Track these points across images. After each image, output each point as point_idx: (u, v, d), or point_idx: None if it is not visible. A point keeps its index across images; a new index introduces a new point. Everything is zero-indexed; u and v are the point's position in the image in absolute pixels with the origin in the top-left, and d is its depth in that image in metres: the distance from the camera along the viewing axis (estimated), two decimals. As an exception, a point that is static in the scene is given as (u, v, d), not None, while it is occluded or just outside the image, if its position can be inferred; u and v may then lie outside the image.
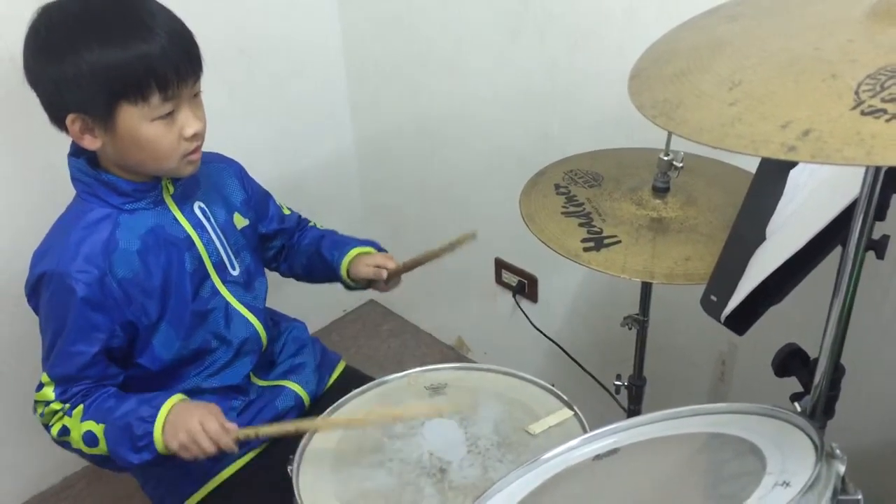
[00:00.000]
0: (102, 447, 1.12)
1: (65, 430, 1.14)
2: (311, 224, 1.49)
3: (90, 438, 1.12)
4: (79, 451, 1.15)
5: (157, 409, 1.10)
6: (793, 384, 0.94)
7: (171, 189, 1.19)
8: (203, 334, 1.23)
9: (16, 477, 1.88)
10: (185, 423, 1.09)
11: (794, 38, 0.66)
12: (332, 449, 1.15)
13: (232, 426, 1.11)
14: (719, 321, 0.97)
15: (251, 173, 1.39)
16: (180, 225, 1.20)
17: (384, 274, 1.32)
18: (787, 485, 0.70)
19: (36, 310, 1.17)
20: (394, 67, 1.99)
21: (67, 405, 1.14)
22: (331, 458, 1.13)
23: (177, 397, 1.14)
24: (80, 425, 1.13)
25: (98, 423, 1.12)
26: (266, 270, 1.40)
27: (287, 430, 1.13)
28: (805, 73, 0.59)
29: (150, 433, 1.09)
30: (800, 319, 1.06)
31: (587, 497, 0.88)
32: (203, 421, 1.09)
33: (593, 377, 1.76)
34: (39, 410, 1.17)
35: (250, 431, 1.13)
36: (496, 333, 2.17)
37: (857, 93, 0.54)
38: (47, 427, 1.17)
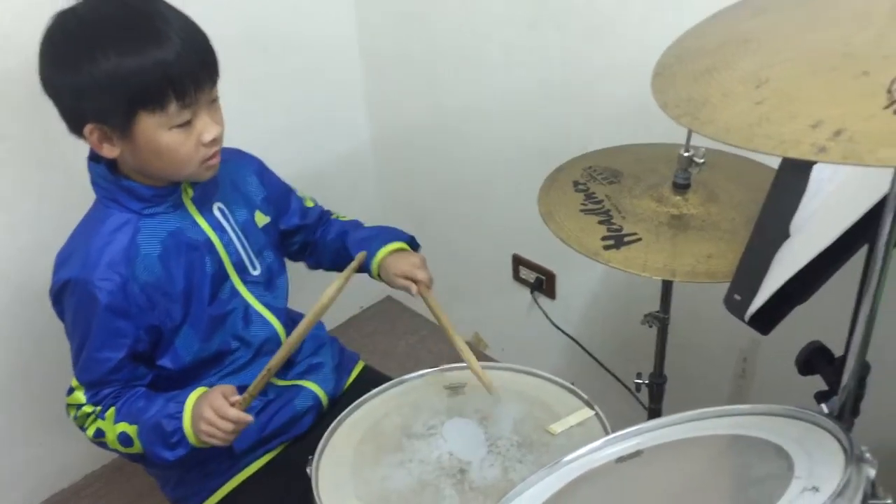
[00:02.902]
0: (138, 446, 1.14)
1: (100, 433, 1.16)
2: (333, 216, 1.47)
3: (125, 439, 1.14)
4: (116, 451, 1.18)
5: (182, 404, 1.12)
6: (815, 382, 0.93)
7: (191, 192, 1.18)
8: (222, 336, 1.23)
9: (38, 474, 1.90)
10: (201, 413, 1.10)
11: (822, 32, 0.65)
12: (352, 449, 1.15)
13: (236, 397, 1.11)
14: (743, 321, 0.96)
15: (269, 167, 1.39)
16: (200, 228, 1.20)
17: (414, 290, 1.30)
18: (817, 490, 0.69)
19: (61, 315, 1.18)
20: (410, 62, 1.98)
21: (99, 408, 1.16)
22: (350, 459, 1.13)
23: (200, 390, 1.15)
24: (114, 427, 1.15)
25: (131, 424, 1.14)
26: (289, 264, 1.39)
27: (264, 374, 1.12)
28: (835, 71, 0.58)
29: (181, 429, 1.11)
30: (822, 316, 1.05)
31: (610, 501, 0.87)
32: (212, 403, 1.10)
33: (613, 375, 1.75)
34: (73, 413, 1.18)
35: (245, 395, 1.12)
36: (514, 330, 2.16)
37: (890, 91, 0.53)
38: (83, 429, 1.19)
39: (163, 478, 1.33)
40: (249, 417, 1.12)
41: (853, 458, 0.71)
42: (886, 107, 0.52)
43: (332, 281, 1.09)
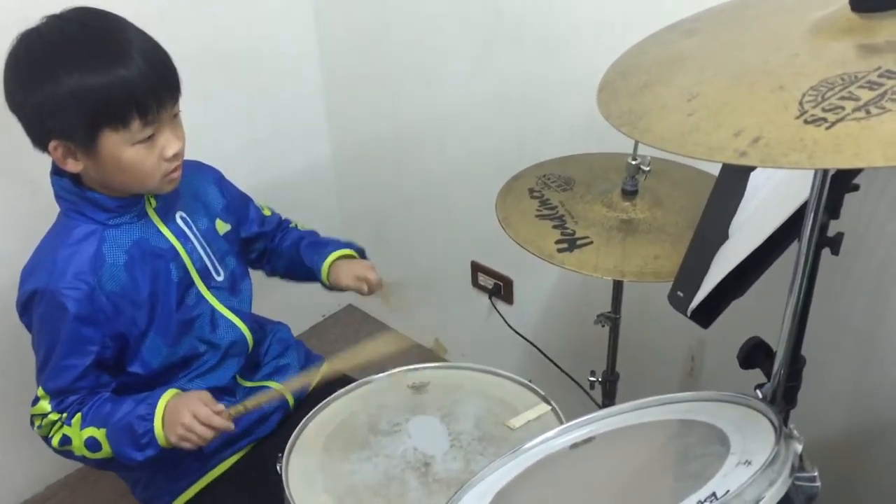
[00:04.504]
0: (106, 450, 1.16)
1: (66, 440, 1.17)
2: (292, 225, 1.52)
3: (93, 443, 1.16)
4: (81, 458, 1.19)
5: (154, 406, 1.15)
6: (758, 378, 1.00)
7: (154, 203, 1.22)
8: (190, 340, 1.26)
9: (2, 486, 1.89)
10: (178, 416, 1.13)
11: (745, 51, 0.72)
12: (320, 446, 1.19)
13: (220, 407, 1.15)
14: (686, 315, 1.03)
15: (228, 178, 1.42)
16: (164, 236, 1.23)
17: (365, 288, 1.36)
18: (749, 463, 0.76)
19: (28, 327, 1.20)
20: (370, 76, 2.03)
21: (65, 415, 1.17)
22: (319, 455, 1.17)
23: (171, 392, 1.18)
24: (80, 433, 1.16)
25: (98, 427, 1.16)
26: (252, 273, 1.43)
27: (271, 396, 1.18)
28: (755, 85, 0.65)
29: (151, 430, 1.14)
30: (764, 315, 1.12)
31: (565, 483, 0.93)
32: (194, 410, 1.13)
33: (567, 374, 1.82)
34: (37, 423, 1.20)
35: (239, 407, 1.17)
36: (473, 335, 2.22)
37: (801, 103, 0.60)
38: (47, 439, 1.20)
39: (132, 479, 1.35)
40: (232, 426, 1.16)
41: (782, 435, 0.78)
42: (797, 117, 0.59)
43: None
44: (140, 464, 1.17)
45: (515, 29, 1.64)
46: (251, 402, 1.18)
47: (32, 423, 1.21)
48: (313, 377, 1.35)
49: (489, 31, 1.69)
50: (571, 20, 1.53)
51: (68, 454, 1.19)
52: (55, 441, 1.18)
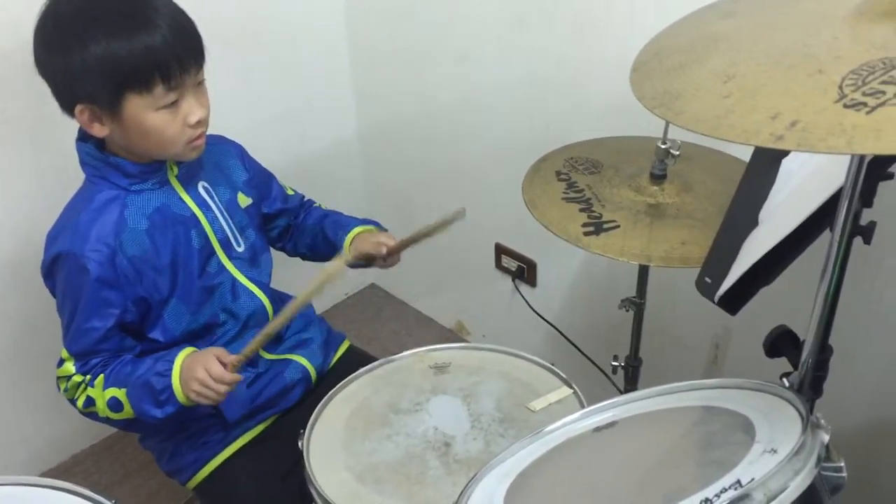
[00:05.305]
0: (128, 410, 1.18)
1: (90, 401, 1.20)
2: (315, 205, 1.53)
3: (115, 404, 1.18)
4: (105, 419, 1.21)
5: (172, 362, 1.17)
6: (783, 367, 0.99)
7: (175, 170, 1.23)
8: (211, 308, 1.28)
9: (28, 451, 1.93)
10: (193, 373, 1.15)
11: (784, 34, 0.71)
12: (342, 424, 1.20)
13: (232, 358, 1.16)
14: (713, 301, 1.02)
15: (256, 157, 1.43)
16: (185, 204, 1.24)
17: (384, 249, 1.34)
18: (775, 451, 0.75)
19: (52, 290, 1.22)
20: (398, 54, 2.03)
21: (89, 376, 1.20)
22: (340, 432, 1.18)
23: (188, 349, 1.20)
24: (103, 393, 1.18)
25: (120, 388, 1.18)
26: (273, 252, 1.44)
27: (267, 332, 1.16)
28: (793, 68, 0.64)
29: (170, 386, 1.15)
30: (791, 303, 1.11)
31: (587, 466, 0.93)
32: (206, 366, 1.15)
33: (590, 359, 1.81)
34: (63, 386, 1.22)
35: (240, 356, 1.16)
36: (495, 317, 2.22)
37: (840, 87, 0.59)
38: (73, 401, 1.22)
39: (158, 451, 1.37)
40: (240, 377, 1.17)
41: (809, 424, 0.78)
42: (836, 101, 0.58)
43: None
44: (161, 421, 1.18)
45: (548, 6, 1.62)
46: (250, 347, 1.16)
47: (58, 386, 1.23)
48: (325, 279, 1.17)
49: (521, 8, 1.67)
50: (605, -1, 1.51)
51: (93, 416, 1.22)
52: (80, 403, 1.21)
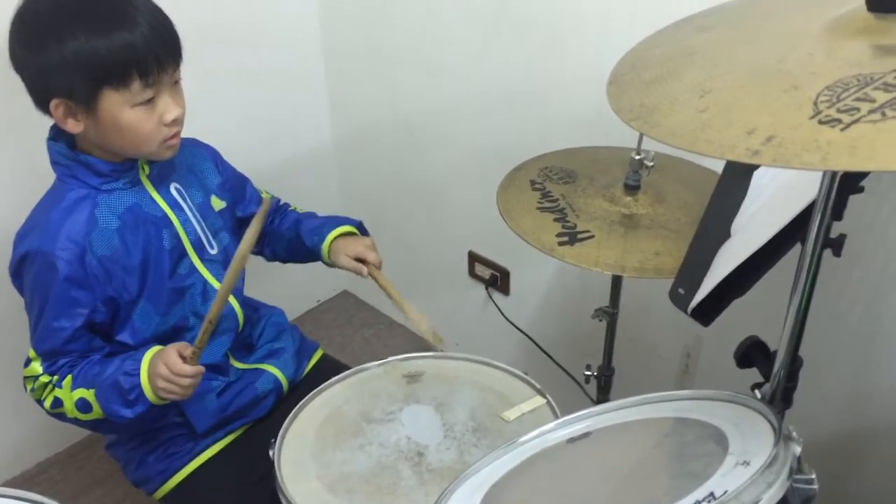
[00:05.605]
0: (97, 411, 1.16)
1: (58, 402, 1.18)
2: (290, 208, 1.51)
3: (83, 405, 1.16)
4: (74, 420, 1.19)
5: (139, 360, 1.15)
6: (753, 376, 1.00)
7: (147, 169, 1.22)
8: (181, 310, 1.26)
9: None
10: (156, 369, 1.13)
11: (759, 49, 0.72)
12: (313, 433, 1.19)
13: (187, 351, 1.14)
14: (686, 313, 1.02)
15: (231, 162, 1.42)
16: (157, 204, 1.23)
17: (364, 271, 1.35)
18: (748, 464, 0.76)
19: (20, 290, 1.21)
20: (373, 61, 2.02)
21: (56, 377, 1.18)
22: (311, 442, 1.17)
23: (156, 348, 1.18)
24: (71, 394, 1.17)
25: (88, 388, 1.16)
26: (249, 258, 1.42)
27: (206, 326, 1.13)
28: (769, 84, 0.64)
29: (138, 385, 1.14)
30: (762, 314, 1.12)
31: (561, 477, 0.93)
32: (166, 361, 1.13)
33: (562, 368, 1.82)
34: (29, 386, 1.20)
35: (193, 348, 1.13)
36: (468, 325, 2.21)
37: (815, 103, 0.59)
38: (40, 401, 1.21)
39: (124, 460, 1.35)
40: (202, 369, 1.15)
41: (781, 436, 0.78)
42: (811, 117, 0.58)
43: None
44: (132, 421, 1.16)
45: (520, 17, 1.63)
46: (200, 336, 1.13)
47: (25, 387, 1.21)
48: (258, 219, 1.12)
49: (493, 18, 1.67)
50: (578, 9, 1.52)
51: (61, 416, 1.20)
52: (47, 404, 1.19)
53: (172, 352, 1.14)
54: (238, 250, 1.09)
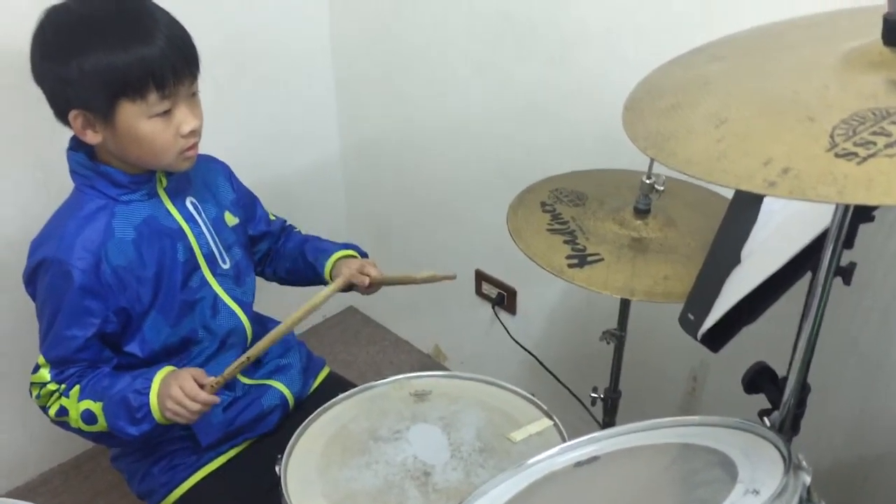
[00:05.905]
0: (102, 423, 1.17)
1: (63, 411, 1.18)
2: (295, 230, 1.53)
3: (89, 416, 1.17)
4: (77, 430, 1.20)
5: (150, 380, 1.16)
6: (759, 402, 1.00)
7: (164, 182, 1.23)
8: (191, 323, 1.27)
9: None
10: (169, 391, 1.14)
11: (773, 80, 0.72)
12: (320, 450, 1.18)
13: (209, 380, 1.15)
14: (696, 339, 1.02)
15: (239, 178, 1.43)
16: (173, 217, 1.24)
17: (366, 281, 1.35)
18: (757, 493, 0.76)
19: (33, 296, 1.21)
20: (382, 78, 2.03)
21: (63, 386, 1.18)
22: (318, 459, 1.17)
23: (168, 368, 1.19)
24: (77, 405, 1.17)
25: (95, 401, 1.17)
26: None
27: (249, 356, 1.17)
28: (785, 115, 0.65)
29: (147, 404, 1.14)
30: (768, 339, 1.12)
31: (568, 501, 0.93)
32: (181, 384, 1.14)
33: (569, 389, 1.81)
34: (35, 392, 1.21)
35: (219, 378, 1.16)
36: (474, 344, 2.21)
37: (832, 136, 0.60)
38: (45, 408, 1.21)
39: (129, 472, 1.35)
40: (217, 399, 1.16)
41: (791, 465, 0.78)
42: (828, 150, 0.59)
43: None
44: (135, 438, 1.17)
45: (522, 32, 1.63)
46: (228, 371, 1.17)
47: (31, 392, 1.22)
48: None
49: (499, 38, 1.68)
50: (580, 24, 1.52)
51: (64, 425, 1.21)
52: (52, 411, 1.20)
53: (188, 376, 1.15)
54: (286, 322, 1.15)
